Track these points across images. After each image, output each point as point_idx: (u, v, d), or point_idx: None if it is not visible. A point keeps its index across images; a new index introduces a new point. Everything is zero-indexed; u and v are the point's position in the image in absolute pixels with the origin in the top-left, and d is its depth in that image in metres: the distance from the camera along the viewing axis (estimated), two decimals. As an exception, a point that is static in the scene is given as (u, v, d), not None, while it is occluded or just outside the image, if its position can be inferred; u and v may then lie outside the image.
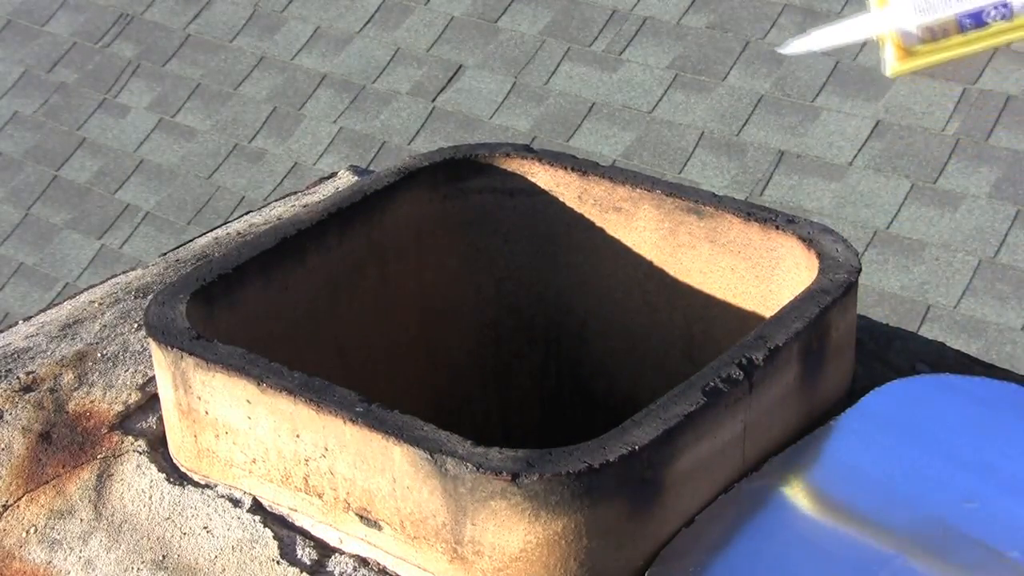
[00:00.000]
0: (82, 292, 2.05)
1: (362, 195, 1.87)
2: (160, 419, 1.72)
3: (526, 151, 1.95)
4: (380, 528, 1.49)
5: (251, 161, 4.58)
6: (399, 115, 4.45)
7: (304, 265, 1.81)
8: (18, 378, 1.82)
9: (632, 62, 4.25)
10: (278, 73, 4.73)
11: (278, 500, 1.59)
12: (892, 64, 1.42)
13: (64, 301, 2.04)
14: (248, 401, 1.54)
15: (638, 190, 1.86)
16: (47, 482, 1.70)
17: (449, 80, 4.45)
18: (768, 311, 1.75)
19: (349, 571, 1.53)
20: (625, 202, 1.88)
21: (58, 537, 1.64)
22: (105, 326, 1.91)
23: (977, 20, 1.37)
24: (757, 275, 1.80)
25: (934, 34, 1.39)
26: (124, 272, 2.11)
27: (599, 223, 1.91)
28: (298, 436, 1.51)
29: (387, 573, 1.52)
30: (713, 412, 1.46)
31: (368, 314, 1.91)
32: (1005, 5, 1.36)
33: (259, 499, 1.61)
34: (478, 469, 1.37)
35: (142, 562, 1.59)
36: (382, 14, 4.72)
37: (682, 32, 4.25)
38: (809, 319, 1.58)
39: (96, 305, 1.97)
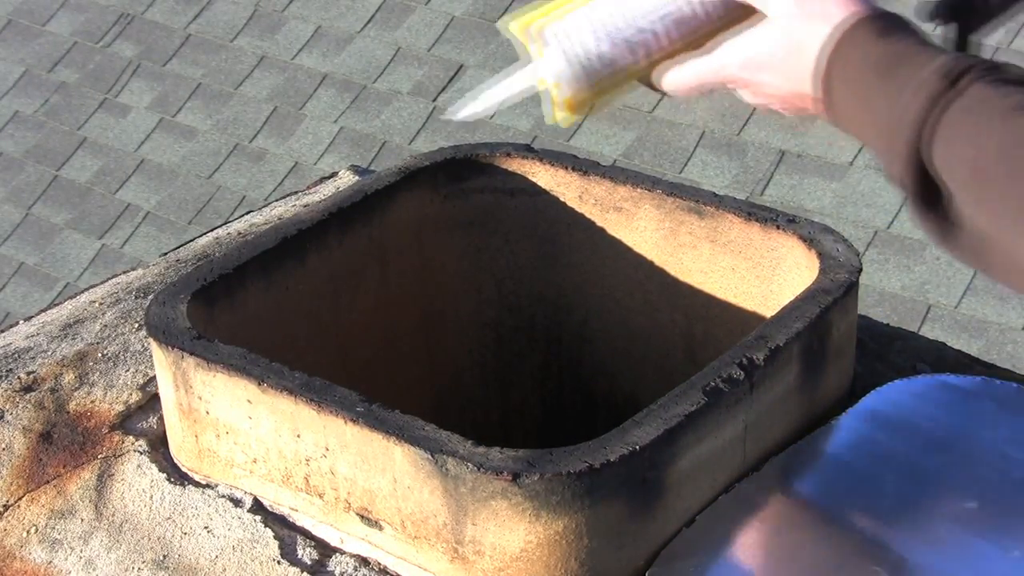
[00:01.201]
0: (83, 292, 2.05)
1: (363, 195, 1.87)
2: (161, 419, 1.72)
3: (527, 151, 1.95)
4: (381, 528, 1.49)
5: (252, 161, 4.58)
6: (400, 115, 4.45)
7: (305, 265, 1.81)
8: (19, 378, 1.82)
9: (633, 62, 4.24)
10: (279, 73, 4.73)
11: (279, 500, 1.59)
12: (561, 115, 1.34)
13: (65, 301, 2.04)
14: (249, 401, 1.54)
15: (639, 190, 1.86)
16: (48, 482, 1.70)
17: (450, 80, 4.45)
18: (769, 311, 1.75)
19: (350, 571, 1.53)
20: (626, 202, 1.88)
21: (59, 537, 1.64)
22: (106, 326, 1.91)
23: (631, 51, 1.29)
24: (758, 275, 1.80)
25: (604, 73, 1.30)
26: (125, 272, 2.11)
27: (600, 223, 1.91)
28: (299, 436, 1.51)
29: (388, 573, 1.51)
30: (714, 412, 1.46)
31: (369, 314, 1.91)
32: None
33: (260, 499, 1.61)
34: (479, 469, 1.37)
35: (143, 562, 1.59)
36: (383, 14, 4.72)
37: (683, 32, 4.24)
38: (810, 319, 1.58)
39: (97, 305, 1.97)
